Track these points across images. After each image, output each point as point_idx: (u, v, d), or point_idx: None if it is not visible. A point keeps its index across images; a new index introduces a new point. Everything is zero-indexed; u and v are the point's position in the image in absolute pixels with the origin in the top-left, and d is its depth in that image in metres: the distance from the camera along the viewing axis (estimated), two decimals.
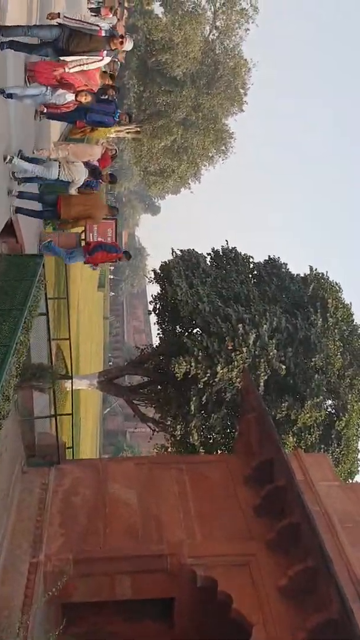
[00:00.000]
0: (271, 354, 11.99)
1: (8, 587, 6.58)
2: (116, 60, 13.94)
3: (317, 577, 6.47)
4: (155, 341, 17.08)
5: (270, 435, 8.26)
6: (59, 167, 8.17)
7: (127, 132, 32.88)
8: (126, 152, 40.10)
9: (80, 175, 8.31)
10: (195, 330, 14.21)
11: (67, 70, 7.12)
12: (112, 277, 77.68)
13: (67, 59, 6.98)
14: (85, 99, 8.00)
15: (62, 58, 7.01)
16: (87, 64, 7.09)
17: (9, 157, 7.43)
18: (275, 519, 7.49)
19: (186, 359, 12.21)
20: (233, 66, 31.67)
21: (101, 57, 7.17)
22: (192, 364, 12.16)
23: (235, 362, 11.93)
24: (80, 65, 7.07)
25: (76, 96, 8.01)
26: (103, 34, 6.94)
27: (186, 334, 14.50)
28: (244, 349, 11.85)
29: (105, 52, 7.11)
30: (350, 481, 13.27)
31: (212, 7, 31.97)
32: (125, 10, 38.41)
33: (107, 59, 7.33)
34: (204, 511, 8.01)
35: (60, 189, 8.93)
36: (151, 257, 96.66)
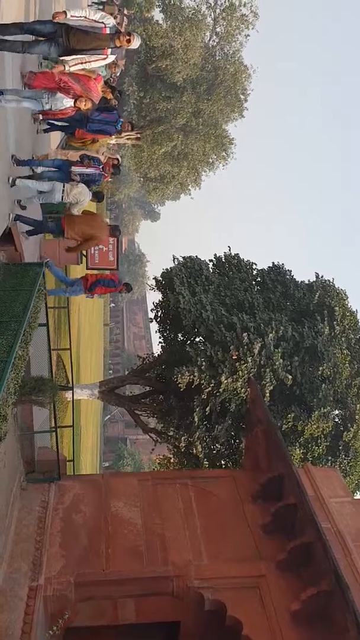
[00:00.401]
0: (277, 363, 11.68)
1: (6, 613, 6.24)
2: (116, 64, 13.54)
3: (331, 602, 6.14)
4: (156, 349, 16.77)
5: (279, 450, 7.94)
6: (62, 191, 8.17)
7: (127, 139, 32.71)
8: (126, 158, 39.96)
9: (84, 197, 8.30)
10: (198, 339, 13.91)
11: (67, 69, 6.69)
12: None
13: (67, 58, 6.53)
14: (85, 105, 7.65)
15: (62, 58, 6.58)
16: (89, 62, 6.62)
17: (11, 180, 7.38)
18: (285, 538, 7.16)
19: (189, 369, 11.89)
20: (233, 72, 31.54)
21: (105, 56, 6.64)
22: (196, 374, 11.84)
23: (240, 372, 11.61)
24: (82, 63, 6.61)
25: (75, 102, 7.70)
26: (108, 31, 6.43)
27: (188, 342, 14.21)
28: (249, 359, 11.54)
29: (109, 50, 6.60)
30: (358, 493, 12.96)
31: (212, 14, 31.88)
32: (124, 17, 38.38)
33: (112, 57, 6.84)
34: (210, 530, 7.68)
35: (62, 209, 8.94)
36: (151, 263, 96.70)
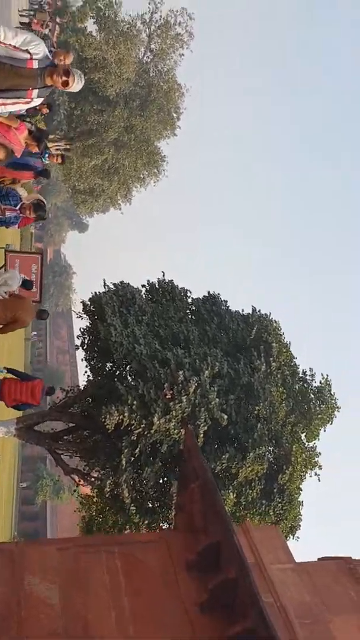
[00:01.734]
0: (212, 402, 11.00)
1: None
2: (45, 104, 11.48)
3: None
4: (82, 372, 15.61)
5: (218, 512, 7.12)
6: None
7: (56, 150, 31.38)
8: (54, 168, 38.51)
9: (13, 281, 8.23)
10: (128, 370, 12.99)
11: None
12: None
13: None
14: None
15: None
16: (4, 105, 4.79)
17: None
18: (225, 620, 6.34)
19: (119, 409, 10.94)
20: (167, 90, 31.27)
21: (29, 99, 4.82)
22: (126, 413, 10.91)
23: (174, 412, 10.82)
24: None
25: None
26: (35, 65, 4.54)
27: (118, 372, 13.26)
28: (184, 398, 10.78)
29: (35, 90, 4.76)
30: (292, 537, 12.47)
31: (147, 30, 31.49)
32: (57, 26, 37.13)
33: (38, 101, 4.94)
34: (140, 608, 6.69)
35: None
36: (77, 275, 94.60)
